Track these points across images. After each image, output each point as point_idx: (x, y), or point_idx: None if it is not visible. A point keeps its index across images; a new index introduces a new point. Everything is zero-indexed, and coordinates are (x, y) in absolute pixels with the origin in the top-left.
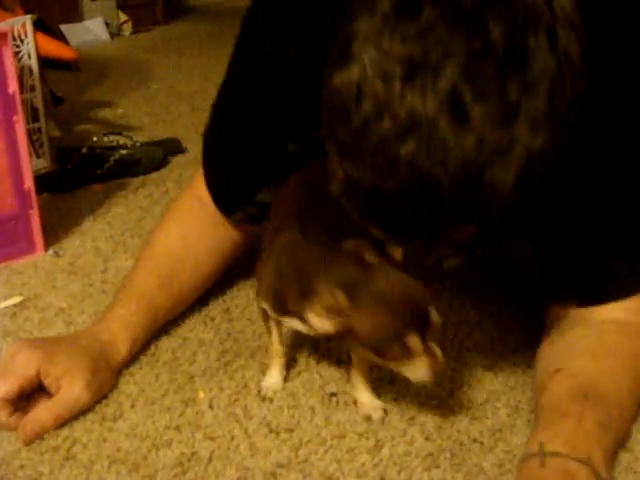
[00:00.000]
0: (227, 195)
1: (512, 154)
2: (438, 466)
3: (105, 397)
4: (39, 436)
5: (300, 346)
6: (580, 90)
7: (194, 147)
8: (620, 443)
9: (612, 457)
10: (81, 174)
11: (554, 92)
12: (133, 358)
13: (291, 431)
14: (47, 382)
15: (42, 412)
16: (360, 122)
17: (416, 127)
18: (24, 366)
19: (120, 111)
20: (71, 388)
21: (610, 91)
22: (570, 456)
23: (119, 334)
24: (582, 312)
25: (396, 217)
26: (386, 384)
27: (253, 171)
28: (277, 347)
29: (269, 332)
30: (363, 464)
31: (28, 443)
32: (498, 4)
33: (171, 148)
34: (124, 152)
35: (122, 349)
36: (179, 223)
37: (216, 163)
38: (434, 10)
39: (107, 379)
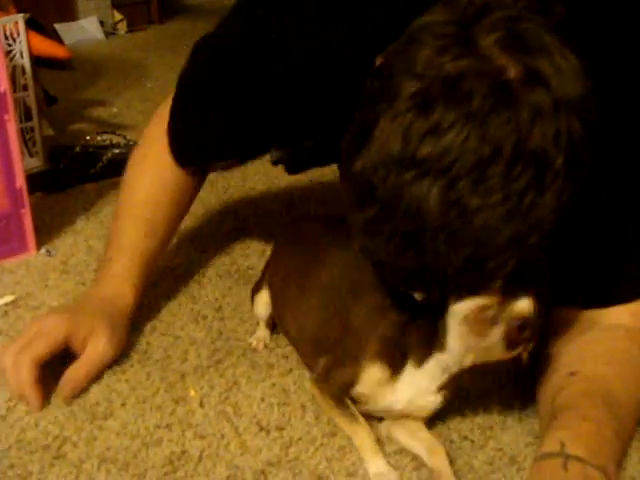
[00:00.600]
0: (186, 156)
1: (512, 245)
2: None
3: (96, 396)
4: (76, 394)
5: (288, 344)
6: (586, 171)
7: None
8: (625, 454)
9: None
10: (74, 173)
11: (562, 190)
12: (125, 356)
13: (281, 429)
14: (75, 344)
15: (74, 372)
16: (375, 210)
17: (423, 221)
18: (55, 330)
19: (114, 110)
20: (96, 346)
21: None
22: (591, 463)
23: (123, 289)
24: (590, 316)
25: (412, 283)
26: None
27: (216, 144)
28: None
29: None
30: (353, 463)
31: (69, 403)
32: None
33: None
34: (117, 151)
35: (129, 302)
36: (155, 168)
37: (184, 123)
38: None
39: (124, 332)
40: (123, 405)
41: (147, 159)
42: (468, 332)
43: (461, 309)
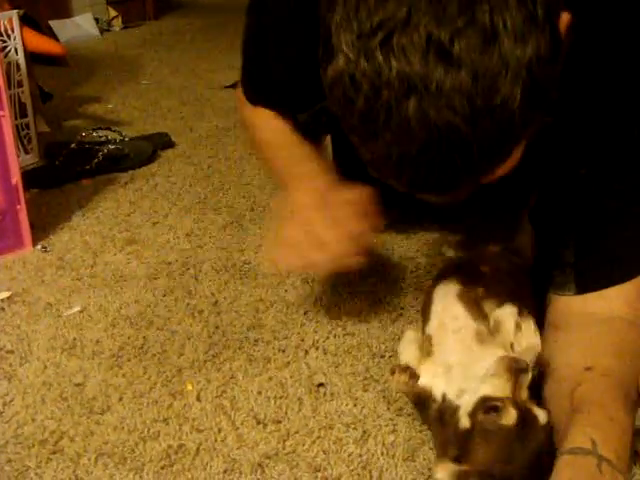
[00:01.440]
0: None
1: (509, 71)
2: (419, 457)
3: (93, 390)
4: None
5: (287, 337)
6: None
7: (183, 141)
8: None
9: None
10: (70, 169)
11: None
12: (121, 350)
13: (278, 422)
14: None
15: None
16: (363, 104)
17: (411, 87)
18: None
19: (109, 106)
20: None
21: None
22: (619, 469)
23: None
24: (588, 308)
25: (435, 176)
26: (375, 376)
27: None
28: None
29: None
30: (350, 454)
31: None
32: None
33: (160, 142)
34: (113, 147)
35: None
36: (266, 123)
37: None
38: None
39: None
40: (120, 399)
41: (258, 127)
42: None
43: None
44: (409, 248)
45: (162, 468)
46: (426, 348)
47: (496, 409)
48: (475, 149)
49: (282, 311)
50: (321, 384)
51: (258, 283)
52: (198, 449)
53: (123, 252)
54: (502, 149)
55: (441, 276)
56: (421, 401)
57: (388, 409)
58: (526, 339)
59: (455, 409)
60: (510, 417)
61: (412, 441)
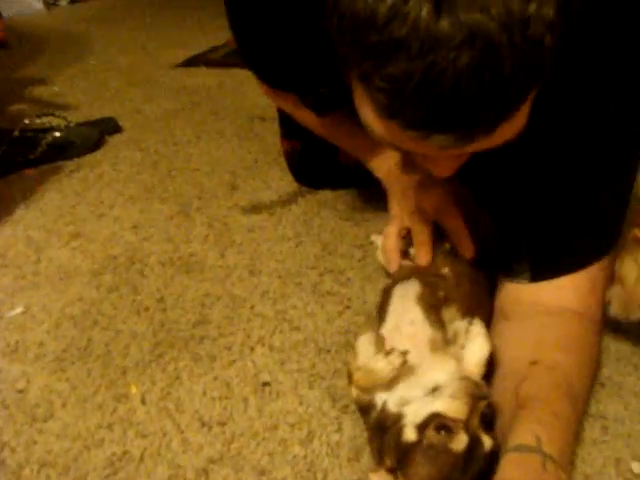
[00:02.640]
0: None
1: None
2: (364, 457)
3: (35, 397)
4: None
5: (232, 334)
6: None
7: (131, 125)
8: None
9: None
10: (13, 159)
11: None
12: (65, 352)
13: (223, 424)
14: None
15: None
16: (387, 10)
17: None
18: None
19: (55, 89)
20: None
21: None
22: (561, 466)
23: None
24: (538, 298)
25: (458, 100)
26: (321, 373)
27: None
28: None
29: None
30: (295, 456)
31: None
32: None
33: (107, 128)
34: (58, 134)
35: None
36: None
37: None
38: None
39: None
40: (64, 406)
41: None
42: None
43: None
44: (357, 235)
45: (106, 477)
46: (377, 350)
47: (448, 430)
48: (507, 66)
49: (228, 306)
50: (266, 383)
51: (205, 276)
52: (142, 455)
53: (68, 247)
54: (527, 80)
55: (401, 275)
56: (363, 407)
57: (333, 407)
58: (476, 354)
59: (397, 418)
60: (460, 443)
61: (357, 440)
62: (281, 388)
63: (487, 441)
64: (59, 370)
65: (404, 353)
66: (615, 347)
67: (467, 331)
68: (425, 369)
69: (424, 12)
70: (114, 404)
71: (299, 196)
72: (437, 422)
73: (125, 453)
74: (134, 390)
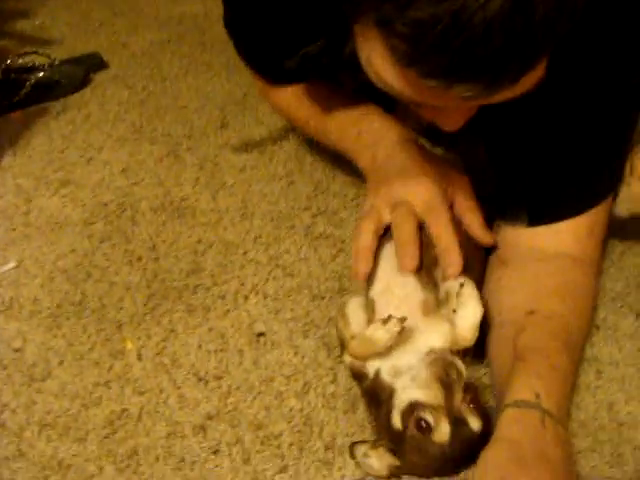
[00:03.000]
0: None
1: None
2: (359, 408)
3: (32, 355)
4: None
5: (226, 282)
6: None
7: (117, 61)
8: None
9: None
10: None
11: None
12: (60, 308)
13: (219, 378)
14: None
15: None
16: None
17: None
18: None
19: (37, 22)
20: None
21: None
22: (559, 421)
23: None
24: (536, 242)
25: (487, 47)
26: (316, 321)
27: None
28: None
29: None
30: (291, 409)
31: None
32: None
33: (92, 65)
34: (42, 74)
35: None
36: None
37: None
38: None
39: None
40: (60, 364)
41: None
42: None
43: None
44: (350, 173)
45: (105, 437)
46: (368, 315)
47: (427, 424)
48: (539, 11)
49: (221, 252)
50: (261, 333)
51: (197, 221)
52: (140, 413)
53: (58, 195)
54: (557, 26)
55: (390, 233)
56: (356, 374)
57: (328, 356)
58: (469, 319)
59: (390, 392)
60: (442, 434)
61: (352, 391)
62: (276, 338)
63: (474, 422)
64: (54, 327)
65: (402, 320)
66: (610, 286)
67: (458, 294)
68: (418, 334)
69: None
70: (110, 361)
71: (290, 133)
72: (416, 417)
73: (124, 411)
74: (130, 346)
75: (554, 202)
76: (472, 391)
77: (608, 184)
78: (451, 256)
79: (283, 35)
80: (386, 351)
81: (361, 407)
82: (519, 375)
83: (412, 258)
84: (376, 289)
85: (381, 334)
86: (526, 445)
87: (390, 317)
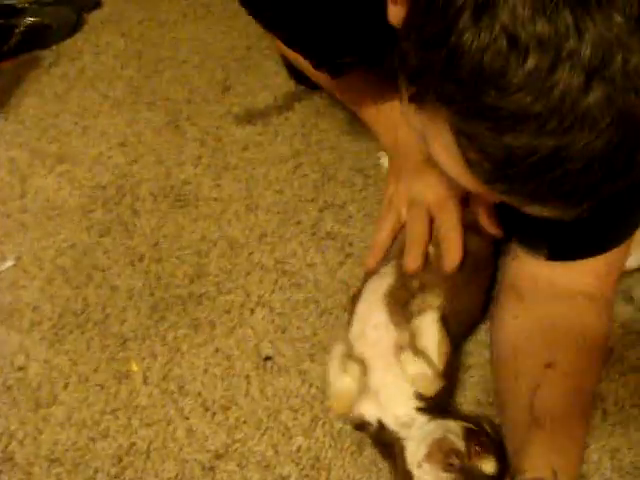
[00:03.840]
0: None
1: None
2: (366, 449)
3: (37, 376)
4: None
5: (231, 292)
6: None
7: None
8: None
9: None
10: None
11: None
12: (62, 318)
13: (227, 409)
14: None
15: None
16: (524, 79)
17: (604, 64)
18: None
19: None
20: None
21: None
22: None
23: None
24: (553, 278)
25: (580, 182)
26: (323, 342)
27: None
28: None
29: None
30: (299, 448)
31: None
32: None
33: (84, 4)
34: (31, 20)
35: None
36: None
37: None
38: None
39: None
40: (65, 387)
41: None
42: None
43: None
44: (358, 155)
45: (116, 477)
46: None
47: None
48: None
49: (226, 254)
50: (268, 357)
51: (199, 213)
52: (149, 448)
53: (53, 173)
54: None
55: (385, 258)
56: (357, 425)
57: None
58: (433, 352)
59: (396, 439)
60: None
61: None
62: (282, 362)
63: (487, 465)
64: (57, 342)
65: (361, 361)
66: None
67: (417, 330)
68: (394, 378)
69: (575, 83)
70: (116, 385)
71: (296, 101)
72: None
73: (132, 445)
74: (135, 368)
75: (577, 239)
76: (476, 435)
77: (630, 226)
78: (452, 253)
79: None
80: (371, 397)
81: (368, 448)
82: (537, 447)
83: (415, 260)
84: (353, 332)
85: (345, 383)
86: None
87: (350, 363)
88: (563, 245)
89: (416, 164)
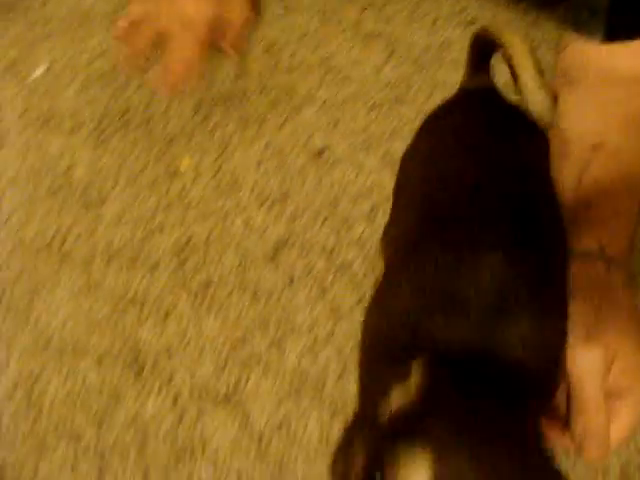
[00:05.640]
0: None
1: None
2: None
3: (84, 177)
4: None
5: (275, 87)
6: None
7: None
8: None
9: None
10: None
11: None
12: (105, 117)
13: (283, 201)
14: None
15: None
16: None
17: None
18: None
19: None
20: None
21: None
22: (621, 264)
23: None
24: (608, 62)
25: None
26: (375, 135)
27: None
28: None
29: None
30: (360, 236)
31: None
32: None
33: None
34: None
35: None
36: None
37: None
38: None
39: None
40: (114, 187)
41: None
42: None
43: None
44: None
45: (177, 267)
46: None
47: None
48: None
49: (267, 52)
50: (321, 150)
51: None
52: (207, 240)
53: None
54: None
55: None
56: None
57: (392, 177)
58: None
59: None
60: None
61: None
62: (337, 154)
63: None
64: (100, 144)
65: None
66: None
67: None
68: None
69: None
70: (167, 182)
71: None
72: None
73: (189, 239)
74: (188, 161)
75: (635, 18)
76: None
77: None
78: None
79: None
80: None
81: None
82: (583, 223)
83: None
84: None
85: None
86: (597, 296)
87: None
88: (621, 23)
89: None
